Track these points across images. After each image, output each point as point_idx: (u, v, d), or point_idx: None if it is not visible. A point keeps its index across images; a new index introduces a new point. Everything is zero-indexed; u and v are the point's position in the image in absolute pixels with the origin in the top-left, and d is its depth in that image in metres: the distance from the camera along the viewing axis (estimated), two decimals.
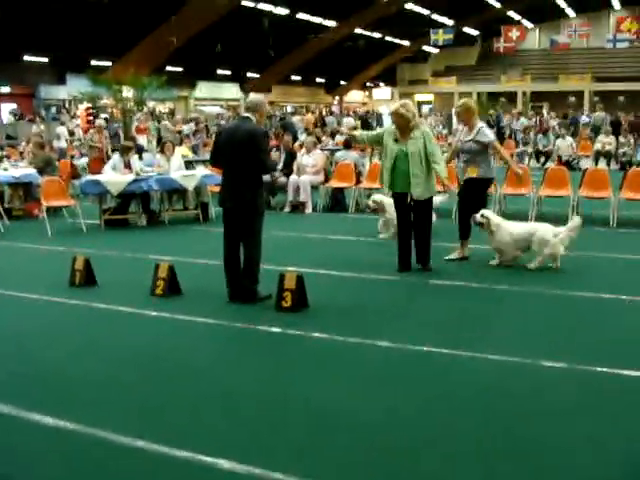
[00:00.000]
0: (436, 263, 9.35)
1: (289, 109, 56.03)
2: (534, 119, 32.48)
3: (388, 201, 10.53)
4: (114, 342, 6.82)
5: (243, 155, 7.77)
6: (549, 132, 26.35)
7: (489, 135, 9.81)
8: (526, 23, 60.19)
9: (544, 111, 44.59)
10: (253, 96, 8.59)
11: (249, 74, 54.49)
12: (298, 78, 59.98)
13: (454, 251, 9.89)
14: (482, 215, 9.34)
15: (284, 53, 51.46)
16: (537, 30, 64.79)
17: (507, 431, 4.80)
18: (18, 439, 4.85)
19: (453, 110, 19.48)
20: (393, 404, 5.26)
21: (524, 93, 58.57)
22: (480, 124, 9.82)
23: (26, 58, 39.28)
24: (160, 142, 19.22)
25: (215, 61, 47.85)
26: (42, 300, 8.37)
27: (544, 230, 9.18)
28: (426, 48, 62.89)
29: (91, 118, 35.65)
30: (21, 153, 21.84)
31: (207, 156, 18.54)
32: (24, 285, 8.98)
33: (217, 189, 12.67)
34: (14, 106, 41.24)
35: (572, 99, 46.32)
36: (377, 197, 11.43)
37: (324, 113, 45.36)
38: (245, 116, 8.11)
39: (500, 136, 28.46)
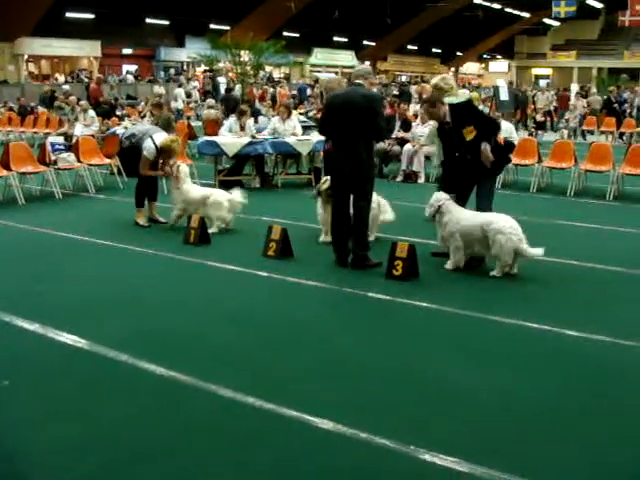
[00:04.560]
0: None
1: (403, 78, 55.49)
2: None
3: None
4: (227, 301, 6.97)
5: (361, 119, 7.75)
6: None
7: None
8: None
9: None
10: (362, 65, 8.53)
11: (365, 42, 54.24)
12: (414, 47, 59.36)
13: None
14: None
15: (401, 22, 51.00)
16: None
17: (620, 413, 4.70)
18: (132, 386, 5.06)
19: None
20: (503, 380, 5.20)
21: None
22: None
23: (148, 21, 40.25)
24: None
25: (332, 28, 47.81)
26: (158, 256, 8.61)
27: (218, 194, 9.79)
28: (547, 20, 61.13)
29: (208, 80, 36.41)
30: (139, 112, 22.43)
31: None
32: (139, 240, 9.25)
33: None
34: (135, 67, 42.40)
35: None
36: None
37: None
38: (358, 82, 8.06)
39: (621, 114, 27.47)
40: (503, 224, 7.48)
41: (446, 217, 7.82)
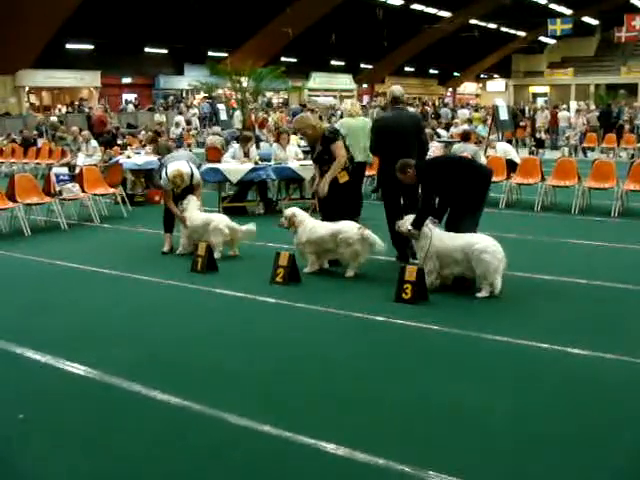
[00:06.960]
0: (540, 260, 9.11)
1: None
2: None
3: None
4: (235, 328, 6.97)
5: (410, 137, 9.07)
6: None
7: None
8: None
9: None
10: (397, 87, 9.46)
11: (363, 65, 54.52)
12: (411, 69, 59.65)
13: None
14: None
15: (398, 44, 51.28)
16: None
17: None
18: (146, 416, 5.05)
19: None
20: (517, 402, 5.19)
21: None
22: None
23: (147, 50, 40.53)
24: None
25: (329, 52, 48.08)
26: (165, 284, 8.61)
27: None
28: (542, 39, 61.44)
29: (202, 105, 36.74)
30: (141, 141, 22.51)
31: None
32: (147, 269, 9.25)
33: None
34: (134, 96, 42.69)
35: None
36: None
37: (437, 105, 44.96)
38: (400, 106, 9.47)
39: (619, 129, 27.53)
40: (486, 244, 7.53)
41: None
